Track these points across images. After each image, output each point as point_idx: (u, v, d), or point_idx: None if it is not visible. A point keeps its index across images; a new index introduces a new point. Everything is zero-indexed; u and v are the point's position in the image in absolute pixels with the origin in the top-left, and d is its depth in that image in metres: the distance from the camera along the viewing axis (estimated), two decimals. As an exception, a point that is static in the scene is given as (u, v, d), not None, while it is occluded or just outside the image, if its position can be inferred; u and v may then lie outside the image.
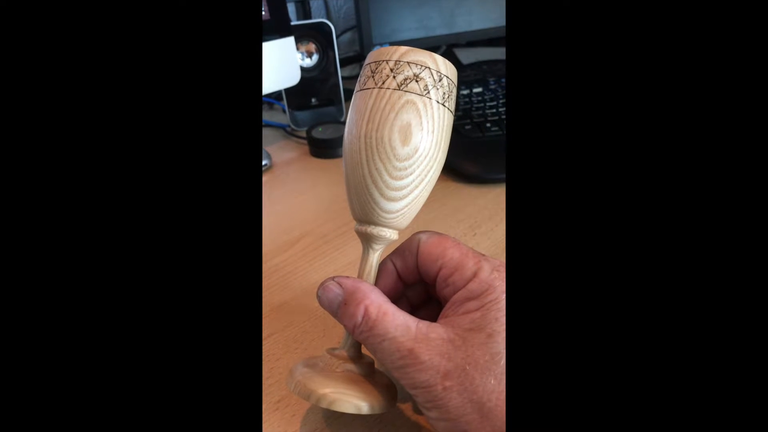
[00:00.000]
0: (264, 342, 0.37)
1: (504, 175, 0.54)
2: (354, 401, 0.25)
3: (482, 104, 0.64)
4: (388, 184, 0.26)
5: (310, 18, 0.83)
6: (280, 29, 0.62)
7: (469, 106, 0.64)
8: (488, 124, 0.60)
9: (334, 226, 0.50)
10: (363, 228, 0.28)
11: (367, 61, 0.27)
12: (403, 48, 0.26)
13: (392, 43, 0.79)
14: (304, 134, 0.68)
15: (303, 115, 0.73)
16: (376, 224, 0.28)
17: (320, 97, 0.74)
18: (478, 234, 0.46)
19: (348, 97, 0.79)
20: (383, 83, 0.26)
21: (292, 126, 0.73)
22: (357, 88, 0.27)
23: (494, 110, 0.63)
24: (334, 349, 0.29)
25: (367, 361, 0.28)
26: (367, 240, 0.28)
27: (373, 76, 0.26)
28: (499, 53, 0.88)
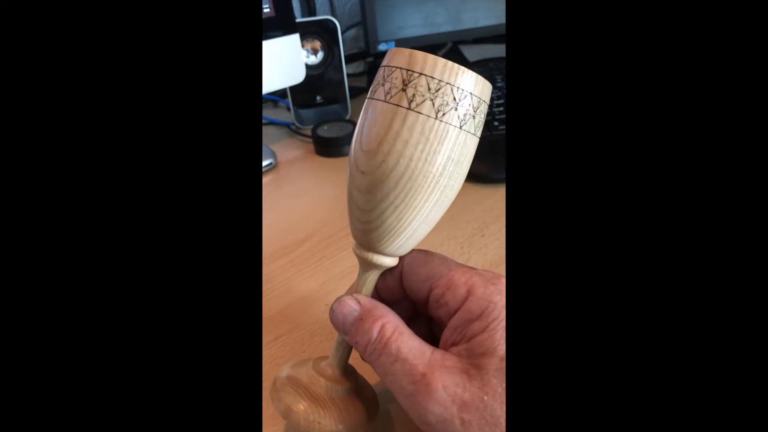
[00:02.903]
0: (270, 345, 0.36)
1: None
2: (326, 427, 0.24)
3: (489, 102, 0.63)
4: (426, 220, 0.24)
5: (314, 15, 0.82)
6: (285, 27, 0.61)
7: (476, 104, 0.63)
8: (496, 123, 0.59)
9: (340, 226, 0.49)
10: (367, 255, 0.25)
11: (410, 65, 0.22)
12: (465, 71, 0.22)
13: (398, 41, 0.78)
14: (309, 132, 0.67)
15: (308, 112, 0.73)
16: (388, 254, 0.25)
17: (325, 94, 0.73)
18: (486, 235, 0.46)
19: (353, 95, 0.78)
20: (443, 115, 0.22)
21: (297, 124, 0.72)
22: (402, 103, 0.22)
23: (501, 108, 0.62)
24: (322, 359, 0.27)
25: (351, 381, 0.27)
26: (369, 266, 0.26)
27: (432, 101, 0.22)
28: (502, 50, 0.87)
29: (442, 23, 0.80)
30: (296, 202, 0.55)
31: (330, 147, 0.63)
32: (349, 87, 0.75)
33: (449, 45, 0.90)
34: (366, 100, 0.24)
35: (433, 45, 0.88)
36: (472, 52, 0.88)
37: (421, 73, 0.22)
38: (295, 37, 0.62)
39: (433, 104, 0.22)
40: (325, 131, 0.64)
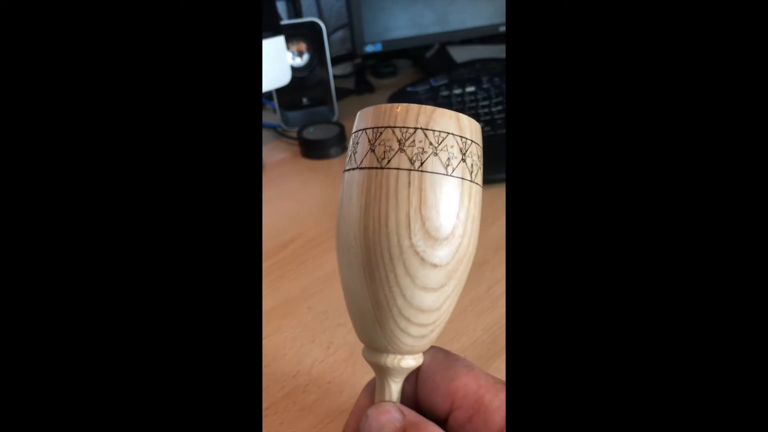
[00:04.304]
0: (252, 348, 0.36)
1: (496, 176, 0.53)
2: None
3: (475, 104, 0.63)
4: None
5: (301, 16, 0.82)
6: (270, 29, 0.61)
7: (461, 106, 0.64)
8: (481, 125, 0.59)
9: (325, 228, 0.49)
10: (399, 360, 0.20)
11: (462, 131, 0.19)
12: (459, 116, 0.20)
13: (385, 42, 0.78)
14: (294, 134, 0.67)
15: (294, 114, 0.73)
16: (414, 352, 0.21)
17: (312, 96, 0.73)
18: (469, 236, 0.46)
19: (340, 96, 0.78)
20: (481, 180, 0.20)
21: (283, 126, 0.72)
22: (466, 176, 0.19)
23: (487, 110, 0.62)
24: None
25: None
26: (397, 373, 0.21)
27: (481, 169, 0.20)
28: (492, 51, 0.88)
29: (429, 24, 0.80)
30: (282, 204, 0.55)
31: (316, 149, 0.63)
32: (336, 89, 0.75)
33: (437, 46, 0.91)
34: (385, 170, 0.18)
35: (420, 46, 0.88)
36: (459, 53, 0.89)
37: (472, 141, 0.19)
38: (280, 39, 0.62)
39: (481, 171, 0.20)
40: (310, 133, 0.64)
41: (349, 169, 0.20)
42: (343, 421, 0.31)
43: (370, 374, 0.33)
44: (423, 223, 0.18)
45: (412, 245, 0.18)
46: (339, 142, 0.63)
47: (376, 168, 0.18)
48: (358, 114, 0.20)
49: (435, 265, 0.18)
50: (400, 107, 0.19)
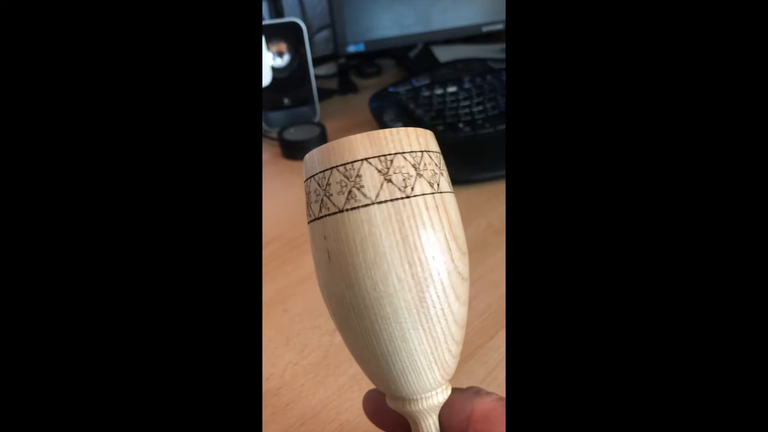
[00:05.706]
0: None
1: (474, 176, 0.53)
2: None
3: (456, 104, 0.63)
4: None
5: (282, 16, 0.82)
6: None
7: (442, 106, 0.64)
8: (461, 125, 0.59)
9: (305, 230, 0.49)
10: (442, 393, 0.19)
11: (433, 145, 0.20)
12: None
13: (368, 42, 0.78)
14: (275, 135, 0.67)
15: (276, 115, 0.72)
16: (442, 384, 0.19)
17: (293, 97, 0.73)
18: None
19: (323, 97, 0.78)
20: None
21: (265, 127, 0.72)
22: (450, 188, 0.19)
23: (467, 110, 0.62)
24: None
25: None
26: (437, 408, 0.20)
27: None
28: (478, 51, 0.88)
29: (412, 24, 0.80)
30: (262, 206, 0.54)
31: (296, 150, 0.63)
32: (320, 89, 0.75)
33: (420, 46, 0.91)
34: (412, 198, 0.18)
35: (403, 46, 0.88)
36: (443, 53, 0.89)
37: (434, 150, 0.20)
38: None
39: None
40: (291, 134, 0.64)
41: (352, 209, 0.17)
42: (315, 425, 0.31)
43: (342, 378, 0.33)
44: (456, 242, 0.18)
45: (455, 267, 0.18)
46: (320, 142, 0.63)
47: (402, 198, 0.17)
48: (328, 147, 0.18)
49: (466, 279, 0.19)
50: (400, 132, 0.18)
